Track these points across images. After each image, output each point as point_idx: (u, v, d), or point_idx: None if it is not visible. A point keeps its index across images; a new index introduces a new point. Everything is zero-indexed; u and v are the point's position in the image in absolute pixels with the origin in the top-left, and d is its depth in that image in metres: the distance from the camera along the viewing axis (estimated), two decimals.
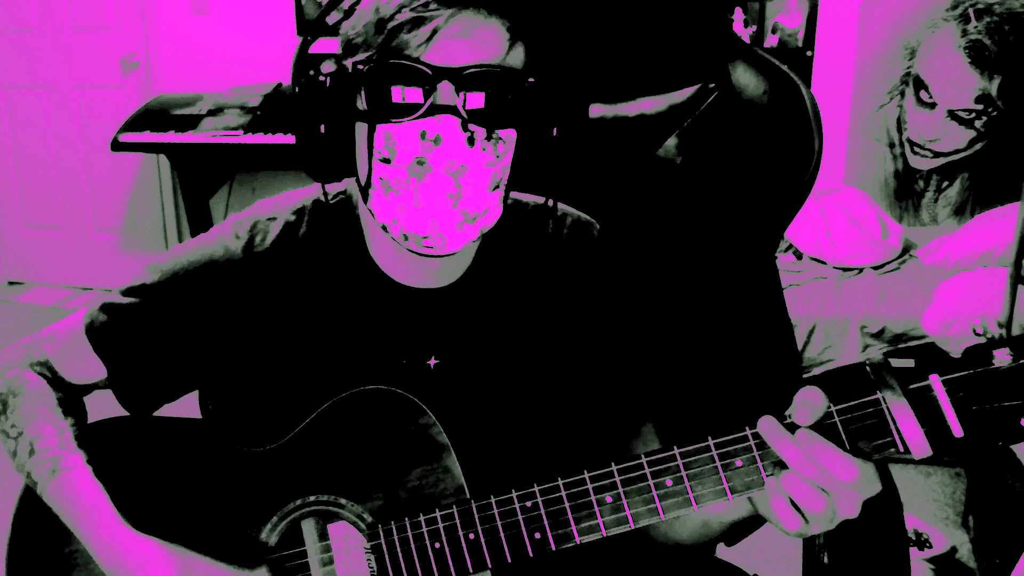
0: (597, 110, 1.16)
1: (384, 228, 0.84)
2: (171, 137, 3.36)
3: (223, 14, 3.76)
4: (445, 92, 0.78)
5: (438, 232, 0.81)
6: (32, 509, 0.90)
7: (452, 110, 0.77)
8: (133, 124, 3.45)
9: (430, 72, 0.77)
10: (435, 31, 0.77)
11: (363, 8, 0.81)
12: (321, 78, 0.82)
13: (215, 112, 3.43)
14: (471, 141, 0.78)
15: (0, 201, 4.25)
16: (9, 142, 4.14)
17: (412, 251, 0.83)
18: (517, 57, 0.81)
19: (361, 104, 0.81)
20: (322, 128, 0.84)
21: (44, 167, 4.12)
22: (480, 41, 0.78)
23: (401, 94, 0.79)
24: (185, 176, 3.71)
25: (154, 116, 3.48)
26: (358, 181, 0.86)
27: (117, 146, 3.42)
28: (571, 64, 0.86)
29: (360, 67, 0.80)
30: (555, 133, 0.84)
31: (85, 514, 0.85)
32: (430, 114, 0.78)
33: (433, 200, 0.80)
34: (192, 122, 3.40)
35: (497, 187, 0.83)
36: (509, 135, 0.82)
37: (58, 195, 4.14)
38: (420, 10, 0.77)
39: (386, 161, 0.80)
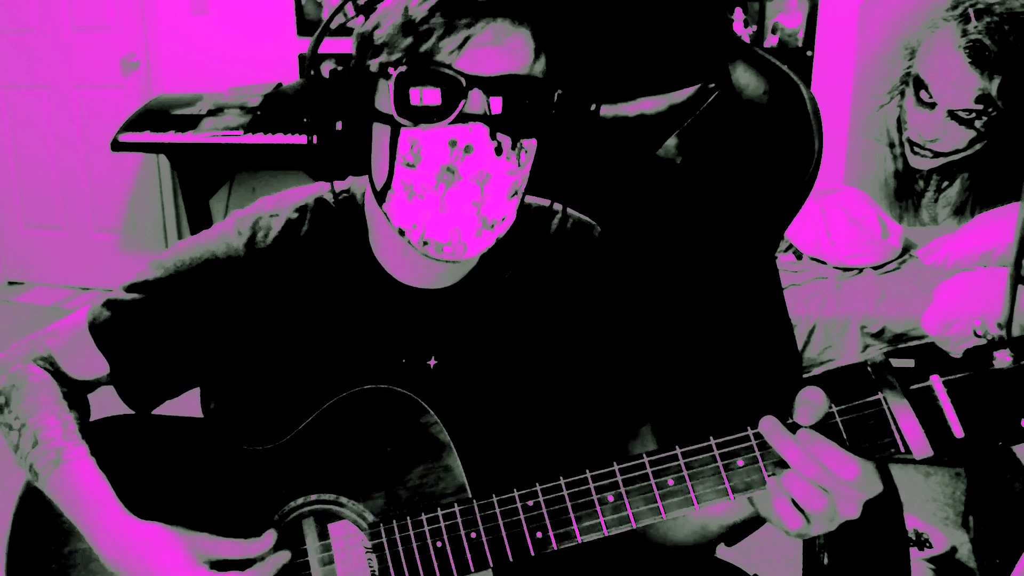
0: None
1: (401, 232, 0.83)
2: (171, 137, 3.36)
3: (223, 14, 3.76)
4: (475, 100, 0.77)
5: (459, 239, 0.81)
6: (32, 509, 0.90)
7: (483, 118, 0.77)
8: (133, 124, 3.45)
9: (463, 81, 0.77)
10: (468, 39, 0.77)
11: (388, 7, 0.81)
12: (337, 79, 0.82)
13: (215, 112, 3.43)
14: (499, 150, 0.79)
15: (0, 201, 4.25)
16: (9, 142, 4.14)
17: (429, 256, 0.83)
18: (540, 67, 0.81)
19: (383, 106, 0.81)
20: (339, 126, 0.83)
21: (44, 167, 4.12)
22: (510, 50, 0.78)
23: (430, 99, 0.78)
24: (185, 176, 3.72)
25: (154, 116, 3.47)
26: (371, 183, 0.86)
27: (117, 146, 3.42)
28: (588, 73, 0.86)
29: (390, 69, 0.79)
30: (568, 140, 0.85)
31: (88, 505, 0.85)
32: (460, 121, 0.78)
33: (459, 208, 0.80)
34: (192, 122, 3.40)
35: (515, 194, 0.83)
36: (531, 144, 0.83)
37: (58, 195, 4.14)
38: (453, 16, 0.77)
39: (410, 166, 0.80)
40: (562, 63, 0.83)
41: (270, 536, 0.87)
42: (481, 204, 0.80)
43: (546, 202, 0.98)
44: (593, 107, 0.86)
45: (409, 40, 0.78)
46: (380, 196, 0.84)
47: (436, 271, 0.91)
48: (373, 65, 0.81)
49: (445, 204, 0.80)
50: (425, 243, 0.82)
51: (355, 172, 0.87)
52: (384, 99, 0.81)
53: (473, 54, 0.77)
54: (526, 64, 0.79)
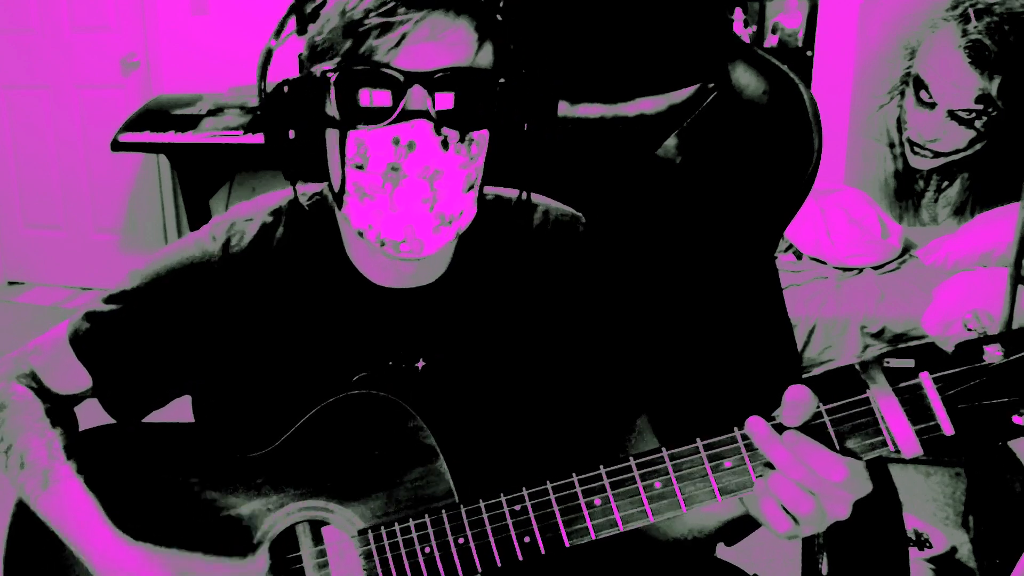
0: (597, 110, 1.16)
1: (360, 234, 0.83)
2: (171, 137, 3.36)
3: (223, 14, 3.76)
4: (416, 96, 0.77)
5: (415, 237, 0.81)
6: (29, 513, 0.90)
7: (424, 115, 0.77)
8: (133, 124, 3.45)
9: (401, 78, 0.76)
10: (404, 36, 0.76)
11: (328, 12, 0.81)
12: (286, 88, 0.81)
13: (215, 112, 3.43)
14: (445, 145, 0.78)
15: (0, 201, 4.25)
16: (9, 142, 4.14)
17: (390, 256, 0.83)
18: (486, 57, 0.80)
19: (331, 110, 0.81)
20: (291, 134, 0.83)
21: (44, 167, 4.12)
22: (449, 43, 0.78)
23: (371, 99, 0.78)
24: (185, 176, 3.71)
25: (154, 116, 3.47)
26: (330, 187, 0.85)
27: (117, 146, 3.42)
28: (541, 61, 0.85)
29: (329, 74, 0.79)
30: (526, 129, 0.84)
31: (78, 525, 0.86)
32: (402, 119, 0.77)
33: (409, 206, 0.79)
34: (192, 122, 3.40)
35: (471, 188, 0.83)
36: (482, 136, 0.82)
37: (58, 195, 4.14)
38: (388, 14, 0.76)
39: (360, 167, 0.80)
40: (509, 51, 0.82)
41: (263, 559, 0.87)
42: (434, 201, 0.80)
43: (534, 196, 0.97)
44: (549, 96, 0.85)
45: (348, 43, 0.78)
46: (338, 200, 0.84)
47: (407, 271, 0.90)
48: (317, 71, 0.80)
49: (394, 203, 0.79)
50: (382, 243, 0.82)
51: (315, 179, 0.87)
52: (331, 103, 0.81)
53: (410, 51, 0.77)
54: (468, 56, 0.78)
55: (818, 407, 0.72)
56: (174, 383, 0.96)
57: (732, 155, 1.12)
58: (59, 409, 0.94)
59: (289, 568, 0.88)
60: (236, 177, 3.80)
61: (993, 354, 0.68)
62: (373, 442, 0.86)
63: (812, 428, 0.71)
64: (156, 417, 0.98)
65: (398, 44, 0.77)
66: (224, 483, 0.89)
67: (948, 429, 0.68)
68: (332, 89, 0.79)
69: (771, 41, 3.19)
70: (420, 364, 0.93)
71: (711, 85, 1.11)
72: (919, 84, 2.99)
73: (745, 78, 1.10)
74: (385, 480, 0.86)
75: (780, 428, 0.72)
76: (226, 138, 3.29)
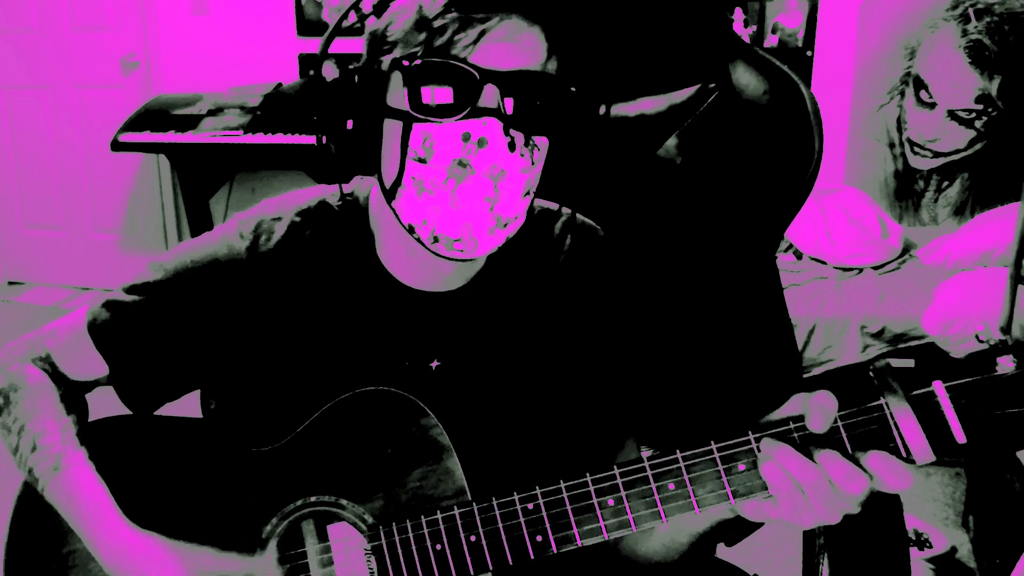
0: None
1: (410, 229, 0.83)
2: (171, 137, 3.36)
3: (223, 14, 3.76)
4: (489, 95, 0.77)
5: (471, 235, 0.81)
6: (30, 509, 0.90)
7: (496, 113, 0.77)
8: (133, 124, 3.45)
9: (478, 74, 0.77)
10: (483, 33, 0.77)
11: (401, 5, 0.81)
12: (348, 74, 0.82)
13: (215, 112, 3.43)
14: (512, 146, 0.79)
15: (0, 201, 4.25)
16: (9, 142, 4.14)
17: (439, 254, 0.83)
18: (552, 67, 0.81)
19: (395, 102, 0.81)
20: (349, 124, 0.83)
21: (44, 167, 4.12)
22: (523, 47, 0.79)
23: (442, 94, 0.78)
24: (185, 176, 3.72)
25: (154, 116, 3.48)
26: (380, 181, 0.85)
27: (117, 146, 3.42)
28: (598, 74, 0.86)
29: (405, 63, 0.79)
30: (579, 140, 0.85)
31: (87, 512, 0.85)
32: (474, 116, 0.78)
33: (471, 203, 0.79)
34: (192, 122, 3.40)
35: (528, 194, 0.83)
36: (543, 142, 0.83)
37: (58, 195, 4.14)
38: (467, 11, 0.77)
39: (422, 161, 0.80)
40: (573, 64, 0.83)
41: (272, 554, 0.87)
42: (495, 201, 0.80)
43: (552, 205, 0.98)
44: (603, 108, 0.86)
45: (423, 36, 0.78)
46: (390, 194, 0.84)
47: (443, 273, 0.91)
48: (385, 62, 0.81)
49: (456, 199, 0.79)
50: (436, 239, 0.81)
51: (364, 172, 0.86)
52: (396, 95, 0.81)
53: (487, 49, 0.77)
54: (539, 62, 0.79)
55: None
56: (192, 376, 0.97)
57: (733, 155, 1.12)
58: (73, 395, 0.94)
59: (295, 562, 0.88)
60: (236, 177, 3.80)
61: (1006, 365, 0.69)
62: (386, 439, 0.86)
63: (825, 434, 0.72)
64: (165, 410, 0.98)
65: (476, 41, 0.77)
66: (235, 477, 0.89)
67: (961, 437, 0.69)
68: (404, 80, 0.79)
69: (771, 41, 3.19)
70: (434, 364, 0.93)
71: (712, 85, 1.11)
72: (919, 84, 2.99)
73: (745, 78, 1.10)
74: (397, 477, 0.86)
75: (800, 431, 0.72)
76: (226, 138, 3.29)
